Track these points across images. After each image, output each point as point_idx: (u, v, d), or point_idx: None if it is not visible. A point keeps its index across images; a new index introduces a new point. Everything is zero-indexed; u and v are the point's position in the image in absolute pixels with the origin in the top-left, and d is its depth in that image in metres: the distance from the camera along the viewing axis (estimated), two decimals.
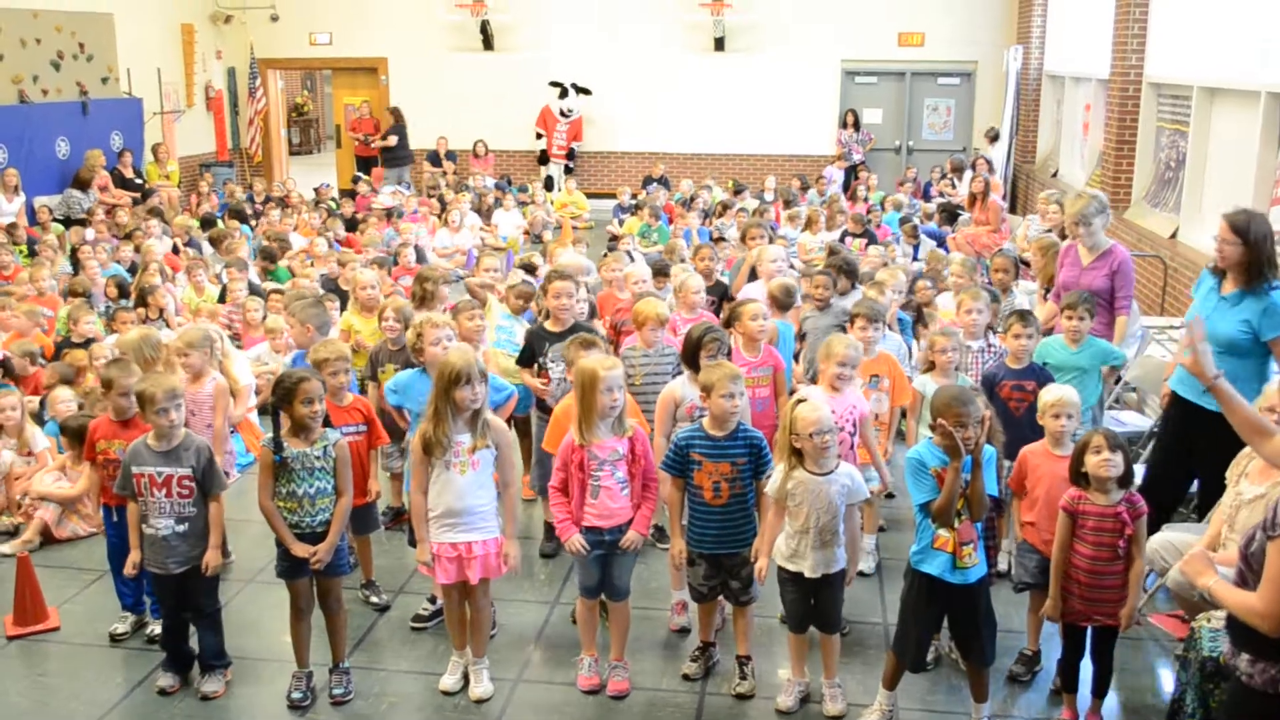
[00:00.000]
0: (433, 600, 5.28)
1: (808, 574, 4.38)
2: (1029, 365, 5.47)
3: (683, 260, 8.51)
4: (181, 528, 4.54)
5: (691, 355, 5.09)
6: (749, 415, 5.03)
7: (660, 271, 7.61)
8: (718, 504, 4.52)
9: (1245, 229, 5.01)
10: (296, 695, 4.62)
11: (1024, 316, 5.49)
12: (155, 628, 5.05)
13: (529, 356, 5.95)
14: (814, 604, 4.49)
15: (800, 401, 4.35)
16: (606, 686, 4.70)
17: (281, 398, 4.49)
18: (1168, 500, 5.41)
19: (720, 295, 7.34)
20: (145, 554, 4.61)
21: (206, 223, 13.03)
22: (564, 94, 17.75)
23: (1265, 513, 3.12)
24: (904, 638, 4.37)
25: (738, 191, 15.32)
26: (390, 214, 13.77)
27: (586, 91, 17.71)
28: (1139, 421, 6.82)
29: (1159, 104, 11.16)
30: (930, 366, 5.60)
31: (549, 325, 5.93)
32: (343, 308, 8.19)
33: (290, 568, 4.59)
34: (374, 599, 5.47)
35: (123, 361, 5.26)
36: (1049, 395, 4.67)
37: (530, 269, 7.86)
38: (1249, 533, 3.22)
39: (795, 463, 4.34)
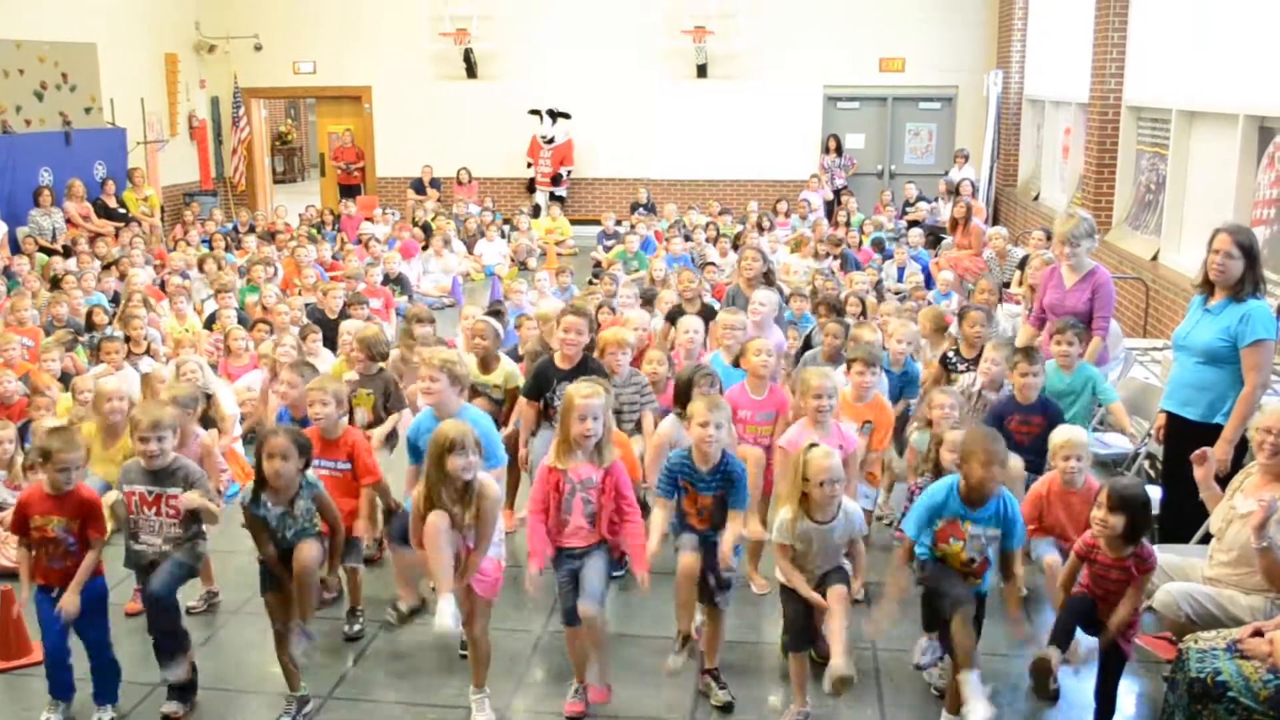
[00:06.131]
0: (394, 607, 5.24)
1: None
2: (1037, 400, 5.53)
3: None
4: (168, 548, 4.58)
5: (684, 395, 5.07)
6: (734, 443, 5.00)
7: (648, 300, 7.64)
8: (702, 527, 4.62)
9: (1249, 245, 5.14)
10: None
11: (1030, 354, 5.55)
12: (102, 715, 4.66)
13: (535, 390, 5.94)
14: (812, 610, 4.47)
15: (813, 446, 4.32)
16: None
17: (256, 453, 4.53)
18: (1189, 523, 5.27)
19: (707, 319, 7.34)
20: (132, 567, 4.70)
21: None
22: (543, 120, 17.80)
23: None
24: (933, 615, 4.39)
25: (723, 213, 15.45)
26: (369, 243, 13.73)
27: (565, 115, 17.77)
28: (1123, 444, 6.83)
29: (1138, 127, 11.27)
30: (927, 424, 5.60)
31: (558, 361, 5.91)
32: (325, 338, 8.16)
33: (267, 581, 4.58)
34: (346, 628, 5.38)
35: (66, 432, 4.63)
36: (1059, 437, 4.76)
37: (498, 314, 7.61)
38: None
39: (802, 511, 4.31)
